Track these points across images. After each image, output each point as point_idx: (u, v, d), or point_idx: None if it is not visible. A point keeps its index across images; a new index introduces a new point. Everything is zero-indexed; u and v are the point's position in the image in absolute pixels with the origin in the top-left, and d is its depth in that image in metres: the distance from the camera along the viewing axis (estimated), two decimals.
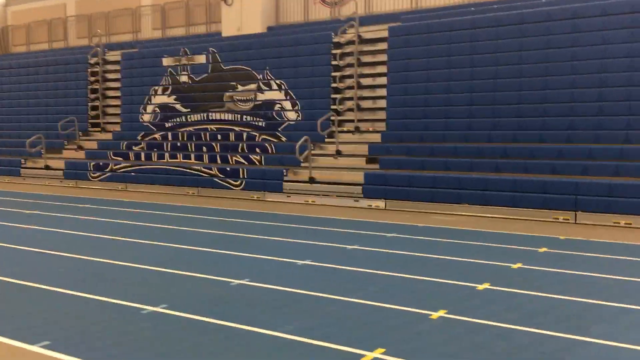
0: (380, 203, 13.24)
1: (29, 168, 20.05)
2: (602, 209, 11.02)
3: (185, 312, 5.96)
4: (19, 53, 27.58)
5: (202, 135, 17.90)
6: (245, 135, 17.10)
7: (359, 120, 15.76)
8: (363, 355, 4.86)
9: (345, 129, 15.79)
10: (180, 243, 9.43)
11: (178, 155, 17.38)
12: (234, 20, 20.05)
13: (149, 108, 19.66)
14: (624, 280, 7.18)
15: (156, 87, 19.65)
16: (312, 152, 15.08)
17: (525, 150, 12.64)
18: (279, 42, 17.66)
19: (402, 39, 15.48)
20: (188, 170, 16.58)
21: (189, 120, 18.65)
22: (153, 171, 17.18)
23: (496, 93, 13.79)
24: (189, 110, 18.78)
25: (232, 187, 15.62)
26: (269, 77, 17.42)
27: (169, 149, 17.98)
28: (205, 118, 18.31)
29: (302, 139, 14.51)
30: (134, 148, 18.64)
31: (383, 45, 15.88)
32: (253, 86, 17.68)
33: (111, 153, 18.75)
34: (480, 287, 6.84)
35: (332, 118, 15.51)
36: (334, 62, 16.56)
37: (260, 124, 17.23)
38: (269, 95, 17.38)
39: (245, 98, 17.82)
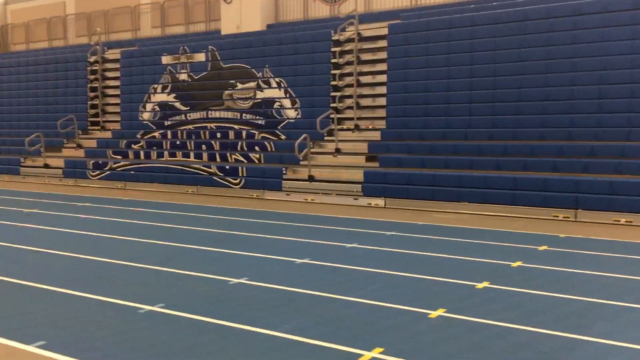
0: (380, 201, 13.20)
1: (29, 166, 20.03)
2: (602, 207, 10.98)
3: (183, 312, 5.92)
4: (18, 52, 27.55)
5: (202, 134, 17.86)
6: (244, 133, 17.06)
7: (359, 118, 15.72)
8: (361, 355, 4.82)
9: (344, 127, 15.75)
10: (178, 242, 9.39)
11: (177, 154, 17.35)
12: (234, 18, 20.00)
13: (149, 106, 19.62)
14: (624, 278, 7.14)
15: (155, 86, 19.61)
16: (312, 150, 15.03)
17: (526, 148, 12.59)
18: (278, 40, 17.61)
19: (401, 36, 15.43)
20: (187, 169, 16.54)
21: (189, 118, 18.61)
22: (152, 169, 17.15)
23: (496, 91, 13.74)
24: (188, 108, 18.74)
25: (231, 185, 15.58)
26: (268, 75, 17.38)
27: (168, 147, 17.94)
28: (204, 116, 18.28)
29: (302, 137, 14.47)
30: (133, 146, 18.61)
31: (383, 43, 15.83)
32: (252, 84, 17.64)
33: (110, 151, 18.71)
34: (480, 285, 6.80)
35: (332, 116, 15.47)
36: (333, 60, 16.51)
37: (259, 122, 17.19)
38: (268, 93, 17.34)
39: (244, 96, 17.77)
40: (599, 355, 4.87)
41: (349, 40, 16.42)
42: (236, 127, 17.50)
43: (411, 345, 5.05)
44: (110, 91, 21.16)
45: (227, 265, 7.95)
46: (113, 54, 21.47)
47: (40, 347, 5.09)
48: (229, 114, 17.84)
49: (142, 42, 21.99)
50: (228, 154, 16.49)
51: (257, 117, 17.28)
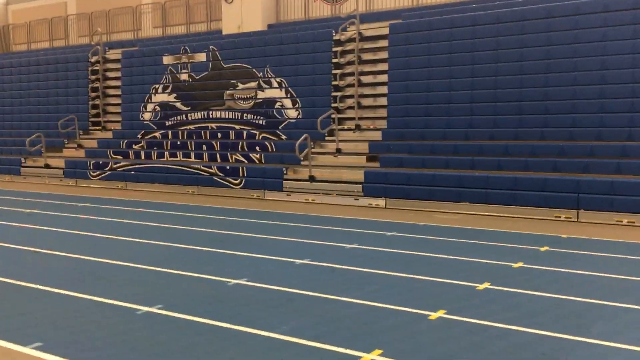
0: (381, 201, 13.17)
1: (29, 167, 20.02)
2: (604, 207, 10.92)
3: (181, 313, 5.89)
4: (19, 52, 27.56)
5: (202, 134, 17.83)
6: (245, 133, 17.03)
7: (360, 118, 15.68)
8: (360, 357, 4.78)
9: (345, 127, 15.71)
10: (178, 242, 9.36)
11: (178, 154, 17.32)
12: (235, 18, 19.98)
13: (150, 106, 19.61)
14: (626, 279, 7.09)
15: (156, 86, 19.60)
16: (313, 150, 15.00)
17: (527, 147, 12.54)
18: (279, 40, 17.58)
19: (402, 36, 15.39)
20: (188, 169, 16.52)
21: (189, 118, 18.59)
22: (153, 170, 17.12)
23: (497, 90, 13.70)
24: (189, 108, 18.72)
25: (231, 185, 15.56)
26: (269, 75, 17.35)
27: (168, 148, 17.91)
28: (205, 116, 18.26)
29: (302, 137, 14.44)
30: (134, 147, 18.59)
31: (384, 43, 15.79)
32: (253, 84, 17.61)
33: (111, 152, 18.69)
34: (481, 286, 6.76)
35: (333, 116, 15.43)
36: (334, 60, 16.48)
37: (260, 122, 17.16)
38: (269, 93, 17.31)
39: (245, 96, 17.75)
40: (598, 357, 4.82)
41: (350, 40, 16.39)
42: (237, 127, 17.47)
43: (411, 347, 5.01)
44: (111, 91, 21.15)
45: (226, 265, 7.92)
46: (114, 54, 21.46)
47: (37, 348, 5.06)
48: (230, 114, 17.82)
49: (143, 42, 21.99)
50: (229, 154, 16.47)
51: (258, 117, 17.26)
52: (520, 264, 7.77)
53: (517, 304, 6.16)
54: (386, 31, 15.76)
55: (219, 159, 16.55)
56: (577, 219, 11.12)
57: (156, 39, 22.53)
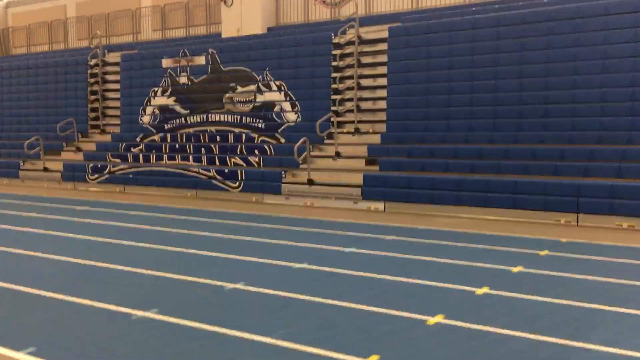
0: (380, 205, 13.10)
1: (28, 170, 19.96)
2: (604, 211, 10.85)
3: (177, 317, 5.82)
4: (19, 55, 27.54)
5: (201, 137, 17.78)
6: (244, 136, 16.98)
7: (359, 122, 15.62)
8: None
9: (344, 130, 15.66)
10: (176, 246, 9.30)
11: (176, 157, 17.26)
12: (234, 21, 19.95)
13: (149, 110, 19.56)
14: (627, 284, 7.03)
15: (155, 89, 19.55)
16: (312, 153, 14.94)
17: (527, 151, 12.48)
18: (278, 43, 17.54)
19: (402, 39, 15.34)
20: (186, 172, 16.45)
21: (188, 121, 18.54)
22: (151, 173, 17.06)
23: (497, 94, 13.65)
24: (188, 111, 18.67)
25: (230, 189, 15.50)
26: (268, 78, 17.30)
27: (167, 151, 17.85)
28: (204, 119, 18.20)
29: (301, 140, 14.38)
30: (132, 150, 18.53)
31: (383, 46, 15.74)
32: (252, 87, 17.56)
33: (110, 155, 18.64)
34: (480, 291, 6.69)
35: (332, 119, 15.37)
36: (334, 63, 16.43)
37: (259, 125, 17.11)
38: (268, 96, 17.26)
39: (244, 99, 17.70)
40: None
41: (350, 43, 16.34)
42: (236, 130, 17.42)
43: (408, 352, 4.94)
44: (110, 94, 21.10)
45: (223, 269, 7.86)
46: (113, 57, 21.42)
47: (30, 353, 5.00)
48: (229, 117, 17.76)
49: (142, 45, 21.95)
50: (227, 158, 16.41)
51: (257, 121, 17.20)
52: (519, 268, 7.71)
53: (517, 308, 6.10)
54: (386, 34, 15.71)
55: (217, 162, 16.50)
56: (577, 222, 11.05)
57: (155, 42, 22.50)
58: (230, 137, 17.23)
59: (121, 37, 24.54)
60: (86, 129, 20.86)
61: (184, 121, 18.63)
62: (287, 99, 16.89)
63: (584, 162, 11.72)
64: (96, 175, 18.02)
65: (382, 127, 15.07)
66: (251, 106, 17.51)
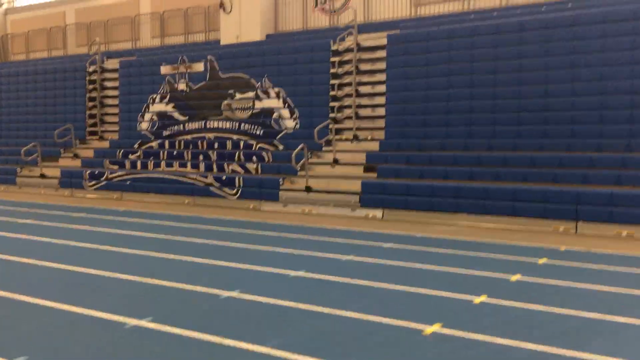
0: (378, 212, 13.03)
1: (25, 176, 19.89)
2: (603, 219, 10.79)
3: (170, 326, 5.74)
4: (18, 61, 27.53)
5: (199, 144, 17.73)
6: (242, 143, 16.93)
7: (357, 129, 15.58)
8: None
9: (343, 137, 15.62)
10: (172, 253, 9.22)
11: (174, 164, 17.21)
12: (233, 28, 19.95)
13: (147, 116, 19.52)
14: (626, 293, 6.96)
15: (154, 95, 19.51)
16: (310, 160, 14.89)
17: (525, 158, 12.43)
18: (277, 50, 17.52)
19: (401, 46, 15.32)
20: (184, 179, 16.39)
21: (187, 128, 18.50)
22: (149, 180, 16.99)
23: (496, 101, 13.62)
24: (186, 118, 18.63)
25: (228, 196, 15.43)
26: (267, 85, 17.27)
27: (165, 158, 17.80)
28: (202, 126, 18.15)
29: (299, 147, 14.33)
30: (130, 156, 18.48)
31: (382, 53, 15.73)
32: (251, 94, 17.53)
33: (107, 161, 18.59)
34: (477, 300, 6.62)
35: (330, 126, 15.32)
36: (332, 70, 16.41)
37: (257, 132, 17.07)
38: (267, 103, 17.23)
39: (243, 106, 17.66)
40: None
41: (348, 50, 16.33)
42: (234, 137, 17.38)
43: None
44: (108, 101, 21.07)
45: (219, 277, 7.79)
46: (112, 63, 21.40)
47: None
48: (227, 124, 17.72)
49: (141, 52, 21.94)
50: (225, 164, 16.35)
51: (256, 127, 17.16)
52: (518, 277, 7.64)
53: (515, 318, 6.02)
54: (384, 41, 15.70)
55: (215, 169, 16.44)
56: (576, 230, 10.99)
57: (154, 49, 22.49)
58: (229, 144, 17.18)
59: (120, 43, 24.55)
60: (84, 136, 20.82)
61: (182, 128, 18.58)
62: (286, 105, 16.86)
63: (583, 170, 11.67)
64: (93, 182, 17.95)
65: (381, 134, 15.03)
66: (249, 113, 17.47)
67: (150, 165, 17.63)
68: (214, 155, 16.97)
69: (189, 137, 18.27)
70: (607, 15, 12.98)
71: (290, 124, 16.67)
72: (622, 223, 10.63)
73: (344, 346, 5.24)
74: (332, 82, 16.30)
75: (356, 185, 13.60)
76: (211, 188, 15.74)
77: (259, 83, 17.39)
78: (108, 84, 21.19)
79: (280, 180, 14.78)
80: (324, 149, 15.41)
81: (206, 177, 16.03)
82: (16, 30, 28.66)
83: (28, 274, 8.08)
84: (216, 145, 17.39)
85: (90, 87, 21.38)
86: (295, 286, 7.32)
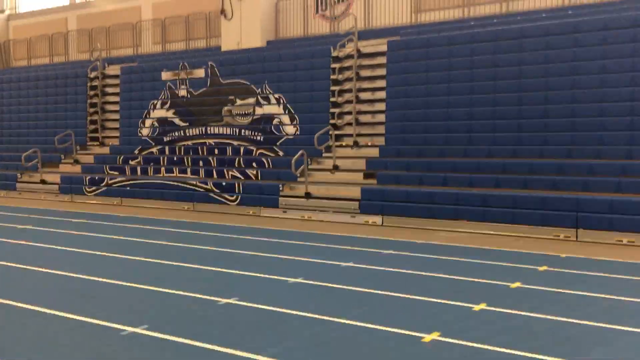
0: (378, 219, 13.00)
1: (25, 182, 19.89)
2: (604, 226, 10.74)
3: (167, 333, 5.71)
4: (19, 67, 27.58)
5: (200, 150, 17.73)
6: (242, 149, 16.92)
7: (358, 135, 15.57)
8: None
9: (343, 143, 15.60)
10: (171, 259, 9.19)
11: (174, 170, 17.20)
12: (234, 35, 19.98)
13: (148, 122, 19.53)
14: (627, 300, 6.92)
15: (155, 101, 19.53)
16: (309, 166, 14.87)
17: (525, 165, 12.41)
18: (278, 57, 17.54)
19: (401, 53, 15.33)
20: (184, 185, 16.38)
21: (187, 134, 18.50)
22: (149, 186, 16.98)
23: (496, 108, 13.60)
24: (187, 124, 18.63)
25: (227, 202, 15.40)
26: (267, 92, 17.28)
27: (165, 164, 17.79)
28: (203, 132, 18.16)
29: (298, 154, 14.32)
30: (130, 162, 18.47)
31: (382, 60, 15.73)
32: (252, 100, 17.54)
33: (107, 167, 18.58)
34: (477, 307, 6.58)
35: (330, 132, 15.31)
36: (333, 77, 16.41)
37: (258, 138, 17.06)
38: (267, 109, 17.23)
39: (243, 112, 17.67)
40: None
41: (349, 56, 16.34)
42: (234, 143, 17.37)
43: None
44: (109, 107, 21.09)
45: (217, 284, 7.76)
46: (113, 69, 21.44)
47: None
48: (228, 130, 17.72)
49: (142, 58, 21.97)
50: (225, 171, 16.34)
51: (256, 133, 17.16)
52: (517, 284, 7.60)
53: (514, 326, 5.98)
54: (384, 48, 15.71)
55: (215, 175, 16.42)
56: (577, 238, 10.94)
57: (155, 55, 22.52)
58: (229, 149, 17.17)
59: (121, 49, 24.59)
60: (85, 142, 20.82)
61: (182, 134, 18.58)
62: (286, 112, 16.86)
63: (583, 177, 11.64)
64: (93, 188, 17.94)
65: (381, 141, 15.02)
66: (250, 119, 17.47)
67: (151, 171, 17.62)
68: (214, 162, 16.96)
69: (189, 143, 18.27)
70: (608, 22, 12.98)
71: (290, 130, 16.66)
72: (622, 230, 10.59)
73: (342, 354, 5.20)
74: (333, 88, 16.31)
75: (356, 192, 13.57)
76: (211, 194, 15.72)
77: (260, 89, 17.40)
78: (109, 89, 21.22)
79: (280, 186, 14.76)
80: (324, 155, 15.39)
81: (206, 183, 16.02)
82: (18, 36, 28.72)
83: (27, 280, 8.06)
84: (216, 151, 17.39)
85: (92, 93, 21.41)
86: (293, 293, 7.29)
